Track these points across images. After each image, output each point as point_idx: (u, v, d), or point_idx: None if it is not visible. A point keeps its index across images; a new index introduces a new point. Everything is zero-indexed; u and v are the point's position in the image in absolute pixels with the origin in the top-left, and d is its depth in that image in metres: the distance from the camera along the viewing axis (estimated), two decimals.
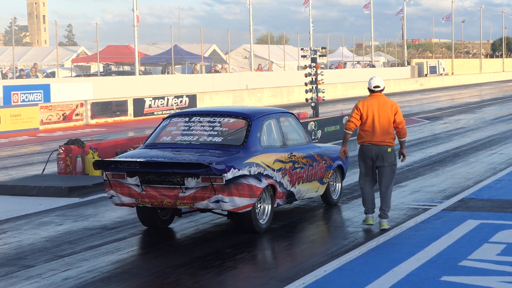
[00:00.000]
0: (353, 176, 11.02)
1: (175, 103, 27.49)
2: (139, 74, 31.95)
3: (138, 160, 7.13)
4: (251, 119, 7.75)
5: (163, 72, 40.18)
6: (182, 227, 8.12)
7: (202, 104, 28.86)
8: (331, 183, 9.07)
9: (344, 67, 52.83)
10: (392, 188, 8.14)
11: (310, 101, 18.61)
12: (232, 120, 7.89)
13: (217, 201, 7.03)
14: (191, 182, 7.01)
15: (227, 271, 6.41)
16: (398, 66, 57.72)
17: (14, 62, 27.47)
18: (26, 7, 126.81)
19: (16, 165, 14.12)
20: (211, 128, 7.73)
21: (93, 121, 23.90)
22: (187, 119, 7.94)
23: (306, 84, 19.51)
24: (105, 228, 8.23)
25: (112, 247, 7.36)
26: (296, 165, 8.11)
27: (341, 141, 8.23)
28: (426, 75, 56.91)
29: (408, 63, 58.33)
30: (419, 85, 50.14)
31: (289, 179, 7.95)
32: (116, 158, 7.56)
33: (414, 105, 32.22)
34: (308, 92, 18.64)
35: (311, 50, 21.90)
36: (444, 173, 12.31)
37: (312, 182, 8.50)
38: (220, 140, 7.58)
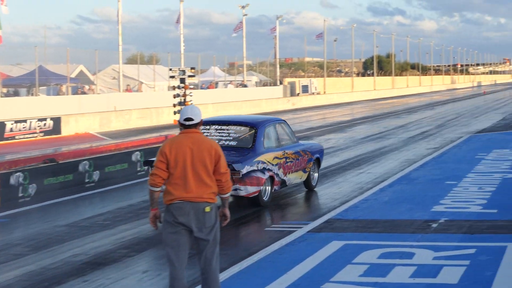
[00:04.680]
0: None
1: (38, 126, 26.47)
2: (1, 97, 30.52)
3: None
4: (257, 127, 10.79)
5: (27, 94, 38.61)
6: None
7: (68, 127, 28.02)
8: (311, 172, 12.28)
9: (216, 87, 53.22)
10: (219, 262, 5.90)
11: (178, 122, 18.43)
12: (242, 128, 10.83)
13: (236, 189, 10.07)
14: None
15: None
16: (270, 85, 58.95)
17: None
18: None
19: None
20: (227, 134, 10.75)
21: None
22: (208, 126, 10.87)
23: (174, 105, 19.34)
24: None
25: None
26: (287, 160, 11.23)
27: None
28: (298, 94, 58.38)
29: (281, 83, 59.62)
30: (291, 105, 51.36)
31: (283, 171, 11.11)
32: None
33: None
34: (177, 113, 18.51)
35: (179, 70, 21.79)
36: (311, 194, 12.56)
37: (298, 172, 11.70)
38: (235, 143, 10.60)
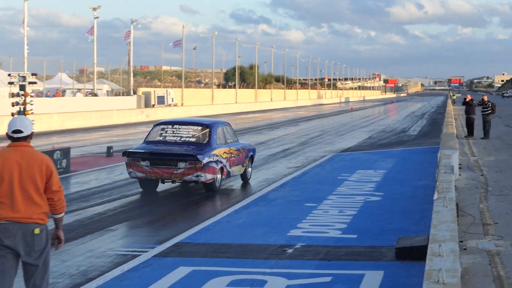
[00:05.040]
0: None
1: None
2: None
3: (148, 151, 14.27)
4: (210, 127, 14.98)
5: None
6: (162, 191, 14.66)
7: None
8: (247, 167, 16.53)
9: (63, 95, 51.90)
10: None
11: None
12: (199, 127, 15.02)
13: (197, 176, 14.05)
14: (181, 164, 14.01)
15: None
16: (123, 95, 58.27)
17: None
18: None
19: None
20: (187, 132, 14.85)
21: None
22: (170, 126, 15.15)
23: (13, 114, 18.63)
24: None
25: None
26: (232, 155, 15.33)
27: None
28: (153, 105, 58.12)
29: (135, 92, 59.11)
30: (145, 117, 51.02)
31: (229, 164, 15.15)
32: (135, 150, 14.57)
33: (139, 138, 32.56)
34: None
35: (19, 76, 21.06)
36: (162, 215, 12.50)
37: (238, 166, 15.87)
38: (194, 140, 14.74)
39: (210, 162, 14.53)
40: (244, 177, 16.67)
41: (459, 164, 17.99)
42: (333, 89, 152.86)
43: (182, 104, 64.80)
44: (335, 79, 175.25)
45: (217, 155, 14.83)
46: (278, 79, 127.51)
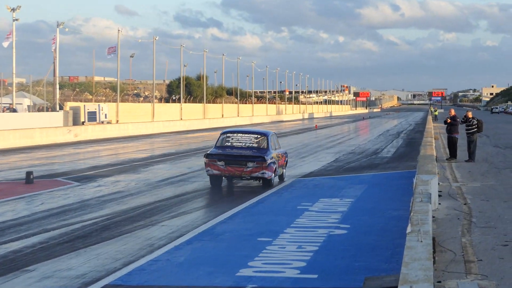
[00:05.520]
0: None
1: None
2: None
3: (223, 153, 21.45)
4: (267, 135, 22.37)
5: None
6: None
7: None
8: (283, 169, 23.79)
9: None
10: None
11: None
12: (258, 135, 22.31)
13: (262, 173, 21.10)
14: (250, 164, 21.15)
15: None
16: (47, 110, 57.72)
17: None
18: None
19: None
20: (250, 139, 22.10)
21: None
22: (235, 134, 22.43)
23: None
24: None
25: None
26: (279, 158, 22.37)
27: None
28: (83, 123, 57.68)
29: (61, 107, 58.60)
30: (73, 136, 50.62)
31: (278, 165, 22.15)
32: (212, 152, 21.73)
33: (66, 161, 32.31)
34: None
35: None
36: (87, 252, 12.39)
37: (281, 167, 23.00)
38: (256, 145, 21.95)
39: (271, 162, 21.86)
40: (281, 177, 23.84)
41: (439, 192, 18.19)
42: (295, 103, 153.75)
43: (118, 121, 64.43)
44: (297, 92, 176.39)
45: (272, 157, 22.13)
46: (230, 92, 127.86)
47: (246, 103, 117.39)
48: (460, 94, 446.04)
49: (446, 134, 31.84)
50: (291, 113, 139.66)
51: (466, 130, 29.87)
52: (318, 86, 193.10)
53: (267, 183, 21.97)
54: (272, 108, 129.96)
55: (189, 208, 17.91)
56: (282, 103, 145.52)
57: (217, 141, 22.71)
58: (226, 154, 21.69)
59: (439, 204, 16.89)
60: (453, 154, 30.05)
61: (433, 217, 14.64)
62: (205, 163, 21.95)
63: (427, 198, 12.78)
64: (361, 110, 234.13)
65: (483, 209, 16.18)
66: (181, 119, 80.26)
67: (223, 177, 22.24)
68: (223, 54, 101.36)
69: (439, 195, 17.91)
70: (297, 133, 66.22)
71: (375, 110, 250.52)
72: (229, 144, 22.41)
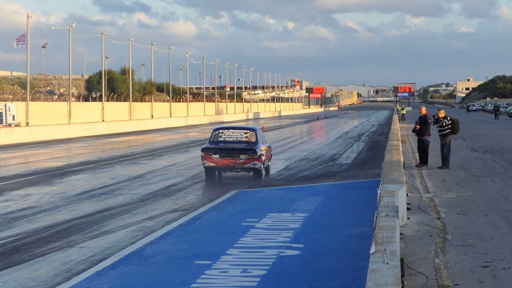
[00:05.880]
0: None
1: None
2: None
3: (218, 147, 28.35)
4: (255, 130, 29.65)
5: None
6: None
7: None
8: (269, 162, 31.00)
9: None
10: None
11: None
12: (247, 131, 29.61)
13: (254, 164, 28.08)
14: (242, 156, 28.05)
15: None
16: None
17: None
18: None
19: None
20: (240, 134, 29.15)
21: None
22: (226, 130, 29.82)
23: None
24: None
25: None
26: (266, 151, 29.47)
27: None
28: None
29: None
30: None
31: (265, 157, 29.18)
32: (209, 146, 28.43)
33: None
34: None
35: None
36: None
37: (267, 159, 29.89)
38: (246, 139, 28.99)
39: (261, 154, 28.17)
40: (267, 169, 30.27)
41: (407, 204, 18.33)
42: (237, 101, 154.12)
43: (28, 123, 63.80)
44: (240, 88, 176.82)
45: (262, 150, 28.49)
46: (161, 89, 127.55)
47: (180, 101, 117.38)
48: (431, 89, 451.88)
49: (415, 136, 31.96)
50: (233, 112, 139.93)
51: (439, 131, 29.84)
52: (264, 81, 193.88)
53: (257, 174, 28.62)
54: (210, 107, 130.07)
55: (114, 226, 17.81)
56: (223, 101, 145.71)
57: (211, 137, 29.35)
58: (221, 148, 28.33)
59: (408, 218, 17.03)
60: (423, 159, 30.25)
61: (401, 234, 14.76)
62: (201, 156, 28.63)
63: (394, 211, 12.87)
64: (316, 109, 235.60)
65: (459, 224, 16.36)
66: (103, 120, 79.79)
67: (217, 170, 28.75)
68: (152, 44, 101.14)
69: (408, 208, 18.06)
70: None
71: (331, 108, 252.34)
72: (222, 139, 28.93)
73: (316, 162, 36.77)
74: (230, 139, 28.82)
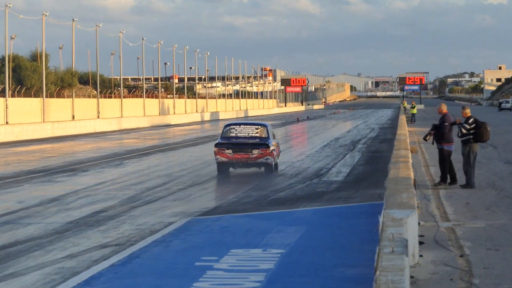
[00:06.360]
0: None
1: None
2: None
3: (231, 142, 39.67)
4: (266, 126, 41.52)
5: None
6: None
7: None
8: (277, 159, 42.67)
9: None
10: None
11: None
12: (258, 126, 41.50)
13: (267, 159, 39.37)
14: (255, 151, 39.00)
15: None
16: None
17: None
18: None
19: None
20: (251, 130, 40.66)
21: None
22: (238, 125, 41.42)
23: None
24: None
25: None
26: (276, 147, 41.24)
27: None
28: None
29: None
30: None
31: (276, 153, 41.02)
32: (221, 141, 39.45)
33: None
34: None
35: None
36: None
37: (277, 156, 41.25)
38: (257, 134, 40.30)
39: (273, 149, 37.77)
40: (276, 166, 39.80)
41: (420, 237, 18.34)
42: (189, 97, 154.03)
43: None
44: (193, 80, 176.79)
45: (273, 145, 38.22)
46: (85, 80, 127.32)
47: (111, 97, 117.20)
48: (449, 80, 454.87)
49: (431, 144, 31.57)
50: (184, 112, 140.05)
51: (461, 137, 29.27)
52: (225, 70, 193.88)
53: (269, 169, 38.85)
54: (153, 104, 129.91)
55: (22, 267, 17.79)
56: (169, 96, 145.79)
57: (222, 132, 39.32)
58: (234, 142, 38.22)
59: (421, 256, 17.04)
60: (443, 176, 29.90)
61: (412, 277, 14.76)
62: (214, 151, 38.15)
63: (402, 247, 12.87)
64: (295, 107, 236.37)
65: (490, 264, 16.39)
66: (7, 123, 79.54)
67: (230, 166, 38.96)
68: (73, 20, 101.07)
69: (421, 242, 18.08)
70: (194, 144, 66.32)
71: (316, 106, 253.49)
72: (234, 134, 39.00)
73: (295, 179, 36.88)
74: (242, 134, 39.12)
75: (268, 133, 39.20)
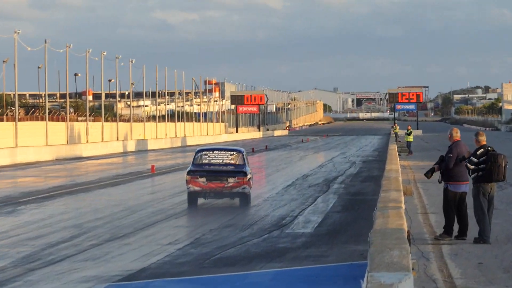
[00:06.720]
0: None
1: None
2: None
3: (205, 170, 50.86)
4: (241, 151, 53.38)
5: None
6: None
7: None
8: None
9: None
10: None
11: None
12: (234, 152, 52.93)
13: (243, 188, 50.15)
14: (230, 179, 49.80)
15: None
16: None
17: None
18: None
19: None
20: (226, 156, 51.65)
21: None
22: (211, 151, 52.83)
23: None
24: None
25: None
26: (251, 175, 55.09)
27: None
28: None
29: None
30: None
31: (252, 182, 55.46)
32: (193, 168, 49.59)
33: None
34: None
35: None
36: None
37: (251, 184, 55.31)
38: (233, 161, 51.39)
39: (249, 178, 47.19)
40: (249, 197, 49.56)
41: None
42: (107, 119, 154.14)
43: None
44: (113, 96, 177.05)
45: (250, 173, 47.85)
46: None
47: (1, 120, 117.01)
48: (456, 97, 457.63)
49: (439, 181, 31.15)
50: (100, 140, 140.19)
51: (471, 173, 29.17)
52: (156, 83, 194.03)
53: (244, 200, 46.21)
54: (59, 129, 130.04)
55: None
56: (81, 119, 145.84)
57: (194, 159, 46.06)
58: (207, 170, 44.81)
59: None
60: (447, 226, 29.85)
61: None
62: (186, 180, 44.24)
63: None
64: (249, 133, 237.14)
65: None
66: None
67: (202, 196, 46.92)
68: None
69: None
70: (113, 183, 66.43)
71: (278, 132, 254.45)
72: (207, 161, 46.09)
73: (249, 231, 37.02)
74: (216, 161, 46.84)
75: (244, 160, 46.91)
